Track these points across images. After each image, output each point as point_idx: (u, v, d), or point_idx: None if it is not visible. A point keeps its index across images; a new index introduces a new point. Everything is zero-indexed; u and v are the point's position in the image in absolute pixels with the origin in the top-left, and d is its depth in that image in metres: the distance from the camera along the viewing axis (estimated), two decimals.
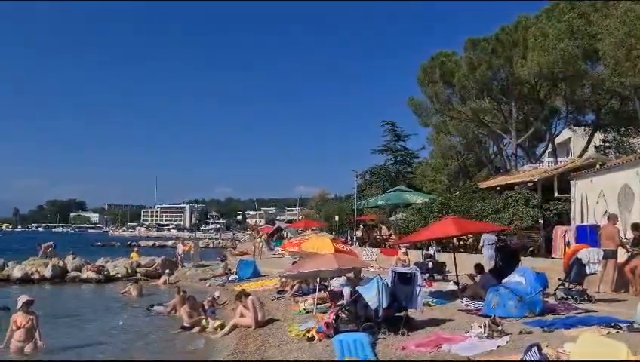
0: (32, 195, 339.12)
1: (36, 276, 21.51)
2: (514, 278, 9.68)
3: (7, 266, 22.19)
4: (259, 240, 32.28)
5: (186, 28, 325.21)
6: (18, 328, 9.42)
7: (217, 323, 11.90)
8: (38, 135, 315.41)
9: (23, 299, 9.87)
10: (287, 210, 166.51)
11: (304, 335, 9.03)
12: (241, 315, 11.12)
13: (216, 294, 15.88)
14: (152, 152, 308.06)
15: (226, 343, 10.30)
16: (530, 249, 17.94)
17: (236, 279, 20.28)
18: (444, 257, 17.86)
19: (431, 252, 19.25)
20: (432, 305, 11.11)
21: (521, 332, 7.57)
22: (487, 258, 15.94)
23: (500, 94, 28.91)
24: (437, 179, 39.40)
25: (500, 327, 7.59)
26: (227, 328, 11.17)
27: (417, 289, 8.88)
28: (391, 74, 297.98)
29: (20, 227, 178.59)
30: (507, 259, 12.61)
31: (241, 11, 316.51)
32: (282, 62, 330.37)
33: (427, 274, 15.18)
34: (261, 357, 8.34)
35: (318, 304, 11.70)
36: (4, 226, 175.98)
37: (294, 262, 18.30)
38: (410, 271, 9.10)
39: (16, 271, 21.52)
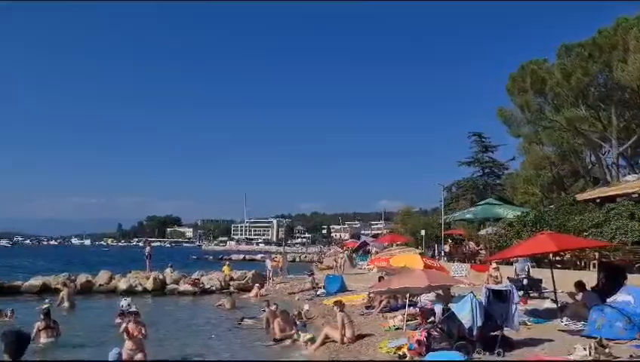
0: (133, 212, 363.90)
1: (139, 288, 23.01)
2: (621, 297, 9.04)
3: (114, 278, 23.91)
4: (341, 255, 32.43)
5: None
6: (130, 338, 10.04)
7: (308, 336, 12.10)
8: (139, 156, 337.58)
9: (132, 307, 10.59)
10: (372, 224, 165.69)
11: (395, 352, 8.99)
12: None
13: (306, 307, 16.16)
14: (241, 170, 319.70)
15: (318, 356, 10.47)
16: (638, 266, 16.60)
17: (324, 293, 20.50)
18: (539, 274, 17.00)
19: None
20: (529, 324, 10.61)
21: (631, 356, 7.06)
22: (518, 270, 16.37)
23: (597, 101, 27.28)
24: (529, 192, 37.65)
25: (607, 350, 7.13)
26: (319, 339, 11.34)
27: (513, 307, 8.55)
28: (478, 83, 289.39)
29: (122, 241, 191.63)
30: (612, 277, 11.77)
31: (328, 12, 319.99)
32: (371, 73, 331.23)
33: (522, 292, 14.52)
34: None
35: (407, 320, 11.59)
36: (109, 241, 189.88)
37: (381, 278, 18.22)
38: (505, 289, 8.78)
39: (122, 283, 23.16)
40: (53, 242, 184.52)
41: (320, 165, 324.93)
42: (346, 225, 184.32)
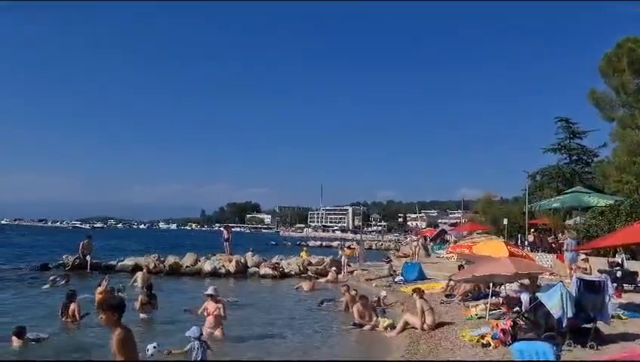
0: (215, 198, 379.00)
1: (222, 270, 23.99)
2: None
3: (200, 261, 25.08)
4: (415, 243, 31.83)
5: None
6: (209, 315, 10.55)
7: (387, 322, 12.15)
8: (221, 147, 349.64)
9: (210, 289, 11.07)
10: (450, 213, 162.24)
11: (478, 341, 8.81)
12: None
13: (383, 294, 16.16)
14: (319, 157, 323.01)
15: (398, 343, 10.45)
16: None
17: (402, 281, 20.42)
18: (635, 266, 15.95)
19: (618, 259, 17.33)
20: (624, 318, 10.02)
21: None
22: (568, 261, 16.59)
23: None
24: (622, 180, 35.17)
25: None
26: (399, 326, 11.34)
27: (607, 298, 8.10)
28: (561, 68, 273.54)
29: (205, 226, 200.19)
30: None
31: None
32: (445, 63, 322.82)
33: (615, 285, 13.69)
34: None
35: (490, 310, 11.30)
36: (193, 226, 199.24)
37: (460, 266, 17.85)
38: (598, 280, 8.33)
39: (207, 266, 24.23)
40: (142, 226, 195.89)
41: (397, 153, 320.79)
42: (422, 214, 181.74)
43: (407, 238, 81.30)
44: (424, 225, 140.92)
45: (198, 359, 8.06)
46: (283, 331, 12.04)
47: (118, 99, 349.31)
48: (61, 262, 24.40)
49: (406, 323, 11.38)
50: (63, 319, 11.99)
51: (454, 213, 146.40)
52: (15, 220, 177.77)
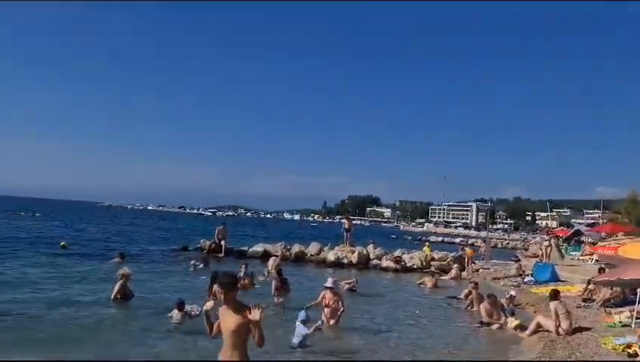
0: (337, 191, 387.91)
1: (345, 261, 24.49)
2: None
3: (323, 251, 25.86)
4: (546, 243, 29.65)
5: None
6: (326, 306, 10.84)
7: (515, 322, 11.65)
8: (343, 139, 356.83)
9: (329, 281, 11.34)
10: (586, 213, 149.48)
11: (623, 350, 8.16)
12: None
13: (513, 293, 15.48)
14: (441, 151, 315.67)
15: (530, 345, 9.97)
16: None
17: (532, 281, 19.41)
18: None
19: None
20: None
21: None
22: None
23: None
24: None
25: None
26: (531, 327, 10.81)
27: None
28: None
29: (327, 218, 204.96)
30: None
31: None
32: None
33: None
34: None
35: (637, 318, 10.35)
36: (316, 217, 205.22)
37: (601, 269, 16.53)
38: None
39: (330, 256, 24.91)
40: (268, 216, 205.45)
41: (526, 148, 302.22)
42: (554, 213, 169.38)
43: (535, 237, 76.61)
44: (555, 224, 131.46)
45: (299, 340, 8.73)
46: (405, 326, 11.91)
47: (260, 99, 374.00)
48: (199, 245, 26.58)
49: (538, 326, 10.82)
50: (210, 297, 12.99)
51: (591, 213, 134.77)
52: (159, 206, 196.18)
